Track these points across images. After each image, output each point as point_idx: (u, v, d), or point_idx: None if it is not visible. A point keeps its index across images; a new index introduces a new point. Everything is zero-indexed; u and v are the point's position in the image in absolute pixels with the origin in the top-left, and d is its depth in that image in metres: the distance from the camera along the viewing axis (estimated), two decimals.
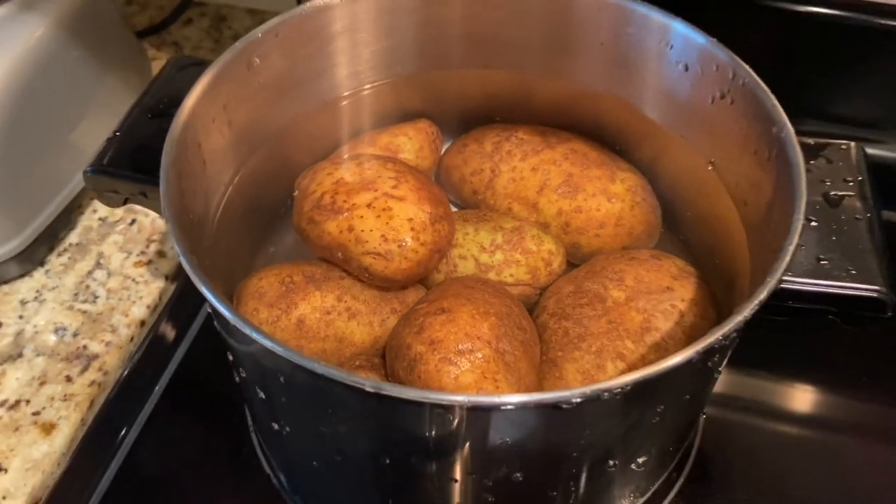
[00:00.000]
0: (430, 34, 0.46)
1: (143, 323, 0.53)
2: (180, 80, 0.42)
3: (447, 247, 0.43)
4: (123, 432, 0.47)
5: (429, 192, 0.44)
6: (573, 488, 0.36)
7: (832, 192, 0.39)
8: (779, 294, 0.35)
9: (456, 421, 0.30)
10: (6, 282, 0.54)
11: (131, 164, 0.40)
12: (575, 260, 0.46)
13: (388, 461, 0.34)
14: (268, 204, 0.48)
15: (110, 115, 0.60)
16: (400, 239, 0.41)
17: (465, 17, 0.45)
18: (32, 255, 0.55)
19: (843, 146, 0.40)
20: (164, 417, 0.48)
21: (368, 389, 0.29)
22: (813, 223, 0.37)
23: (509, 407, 0.29)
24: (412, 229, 0.41)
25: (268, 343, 0.30)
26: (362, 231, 0.41)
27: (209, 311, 0.39)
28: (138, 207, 0.59)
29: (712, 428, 0.47)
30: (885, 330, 0.48)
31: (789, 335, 0.49)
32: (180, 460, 0.47)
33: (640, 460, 0.37)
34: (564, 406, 0.29)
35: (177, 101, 0.39)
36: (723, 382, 0.49)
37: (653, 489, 0.43)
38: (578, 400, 0.29)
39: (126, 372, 0.49)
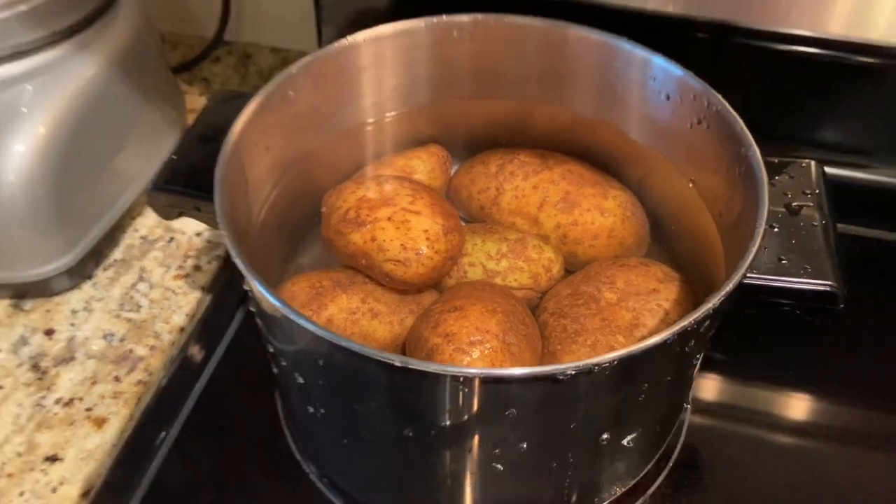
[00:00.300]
0: (443, 69, 0.52)
1: (182, 329, 0.59)
2: (225, 110, 0.48)
3: (458, 255, 0.49)
4: (168, 426, 0.52)
5: (441, 207, 0.49)
6: (571, 460, 0.41)
7: (793, 203, 0.44)
8: (746, 288, 0.41)
9: (469, 392, 0.35)
10: (58, 293, 0.60)
11: (186, 182, 0.46)
12: (572, 267, 0.51)
13: (410, 434, 0.39)
14: (297, 219, 0.53)
15: (149, 144, 0.67)
16: (417, 248, 0.47)
17: (473, 54, 0.51)
18: (82, 270, 0.61)
19: (804, 164, 0.46)
20: (203, 412, 0.53)
21: (398, 364, 0.34)
22: (775, 229, 0.43)
23: (515, 378, 0.34)
24: (427, 239, 0.47)
25: (310, 326, 0.35)
26: (384, 241, 0.47)
27: (252, 309, 0.44)
28: (175, 226, 0.65)
29: (697, 427, 0.52)
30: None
31: (777, 337, 0.55)
32: (219, 449, 0.52)
33: (630, 437, 0.42)
34: (560, 377, 0.34)
35: (222, 128, 0.45)
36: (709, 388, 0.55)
37: (643, 472, 0.49)
38: (572, 372, 0.34)
39: (169, 372, 0.55)
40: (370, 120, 0.54)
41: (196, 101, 0.75)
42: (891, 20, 0.52)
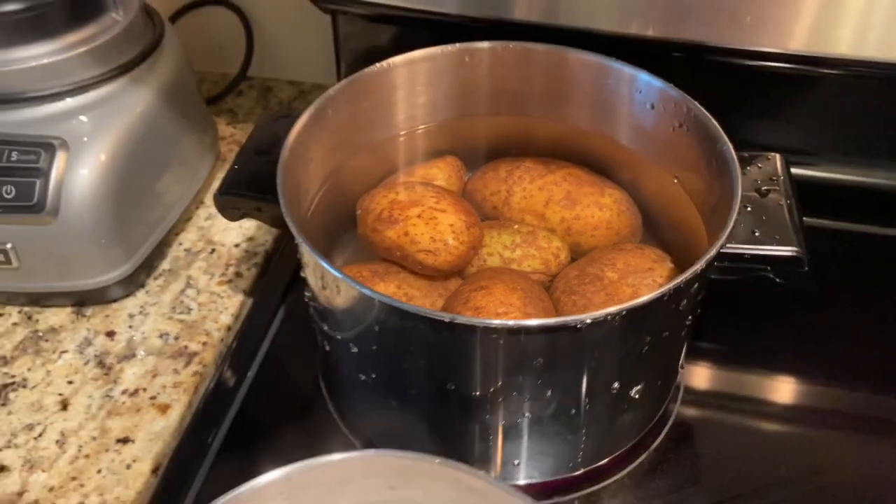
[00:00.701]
0: (463, 89, 0.60)
1: (229, 328, 0.65)
2: (275, 127, 0.56)
3: (479, 245, 0.57)
4: (224, 410, 0.59)
5: (463, 206, 0.57)
6: (587, 407, 0.48)
7: (762, 188, 0.53)
8: (726, 256, 0.49)
9: (505, 342, 0.43)
10: (115, 301, 0.67)
11: (247, 187, 0.54)
12: (576, 255, 0.59)
13: (453, 387, 0.46)
14: (332, 224, 0.61)
15: (188, 169, 0.74)
16: (444, 239, 0.55)
17: (487, 77, 0.60)
18: (136, 279, 0.67)
19: (770, 157, 0.55)
20: (255, 398, 0.60)
21: (447, 320, 0.42)
22: (748, 208, 0.51)
23: (543, 327, 0.42)
24: (453, 232, 0.55)
25: (371, 293, 0.43)
26: (416, 235, 0.55)
27: (307, 294, 0.51)
28: (216, 239, 0.72)
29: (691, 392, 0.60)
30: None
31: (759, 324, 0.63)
32: (270, 427, 0.58)
33: (637, 388, 0.49)
34: (579, 326, 0.42)
35: (273, 143, 0.53)
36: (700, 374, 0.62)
37: (647, 428, 0.56)
38: (589, 321, 0.42)
39: (223, 364, 0.62)
40: (399, 133, 0.62)
41: (225, 129, 0.83)
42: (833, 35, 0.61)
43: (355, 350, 0.49)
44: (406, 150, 0.64)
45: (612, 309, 0.42)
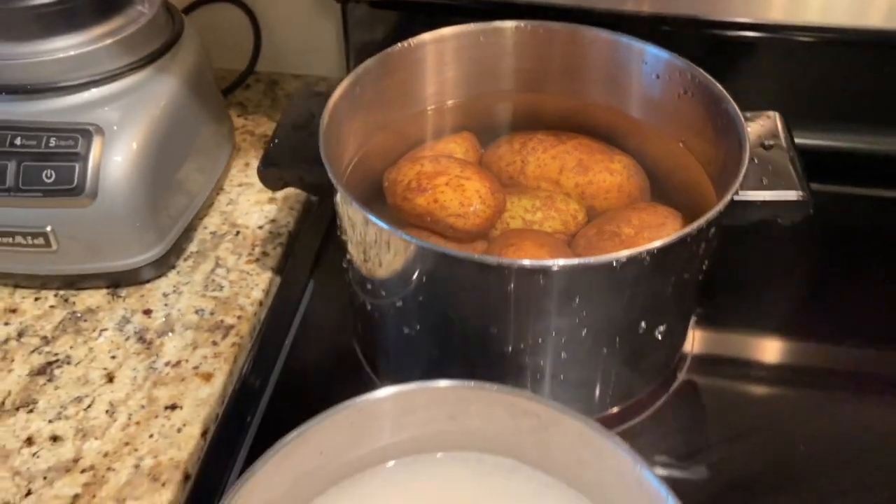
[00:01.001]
0: (486, 67, 0.64)
1: (261, 303, 0.68)
2: (308, 103, 0.59)
3: (503, 209, 0.61)
4: (265, 374, 0.62)
5: (486, 174, 0.61)
6: (618, 346, 0.52)
7: (765, 142, 0.57)
8: (738, 204, 0.53)
9: (546, 282, 0.46)
10: (147, 282, 0.69)
11: (290, 158, 0.57)
12: (592, 217, 0.63)
13: (495, 331, 0.50)
14: (359, 195, 0.64)
15: (208, 158, 0.77)
16: (472, 204, 0.58)
17: (509, 54, 0.64)
18: (167, 261, 0.70)
19: (769, 115, 0.59)
20: (293, 364, 0.63)
21: (492, 263, 0.45)
22: (755, 161, 0.56)
23: (583, 266, 0.46)
24: (480, 197, 0.58)
25: (415, 241, 0.46)
26: (445, 201, 0.58)
27: (348, 257, 0.55)
28: (239, 222, 0.75)
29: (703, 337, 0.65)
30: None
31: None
32: (309, 389, 0.62)
33: (660, 329, 0.53)
34: (615, 263, 0.46)
35: (308, 118, 0.57)
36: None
37: (668, 370, 0.60)
38: (624, 259, 0.46)
39: (261, 331, 0.65)
40: (421, 109, 0.65)
41: (237, 121, 0.86)
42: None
43: (399, 304, 0.52)
44: (426, 126, 0.67)
45: (648, 246, 0.46)
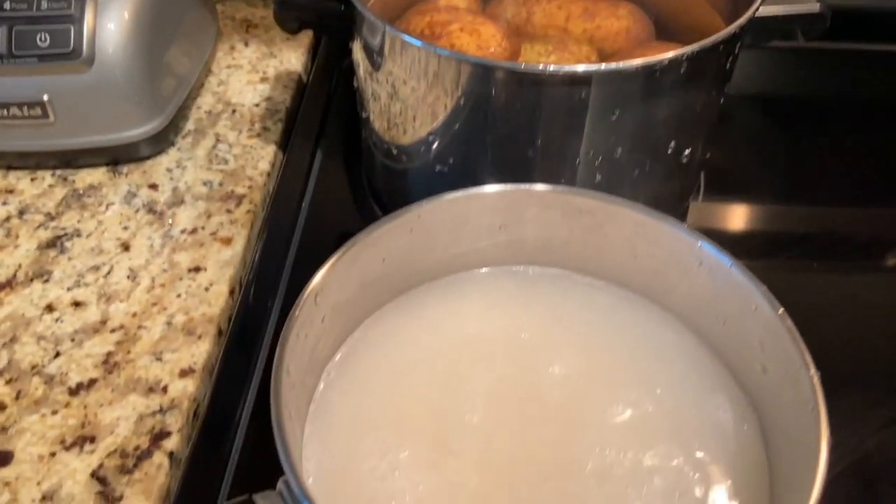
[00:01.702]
0: None
1: (269, 174, 0.67)
2: None
3: (518, 52, 0.61)
4: (289, 234, 0.62)
5: (497, 21, 0.61)
6: (648, 168, 0.53)
7: None
8: (758, 21, 0.54)
9: (585, 91, 0.47)
10: (147, 158, 0.67)
11: None
12: (603, 60, 0.64)
13: (539, 142, 0.50)
14: None
15: (195, 42, 0.75)
16: (489, 47, 0.58)
17: None
18: (165, 137, 0.68)
19: None
20: (311, 225, 0.63)
21: (541, 70, 0.45)
22: None
23: (627, 70, 0.46)
24: (496, 40, 0.58)
25: (461, 56, 0.46)
26: (461, 45, 0.58)
27: (367, 112, 0.54)
28: (234, 100, 0.74)
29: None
30: None
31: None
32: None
33: (686, 152, 0.55)
34: (657, 68, 0.46)
35: None
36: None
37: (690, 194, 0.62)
38: (666, 63, 0.46)
39: (276, 193, 0.64)
40: None
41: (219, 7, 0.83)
42: None
43: (432, 139, 0.52)
44: None
45: (689, 48, 0.46)
